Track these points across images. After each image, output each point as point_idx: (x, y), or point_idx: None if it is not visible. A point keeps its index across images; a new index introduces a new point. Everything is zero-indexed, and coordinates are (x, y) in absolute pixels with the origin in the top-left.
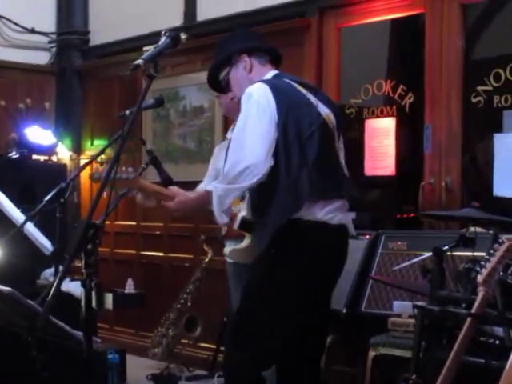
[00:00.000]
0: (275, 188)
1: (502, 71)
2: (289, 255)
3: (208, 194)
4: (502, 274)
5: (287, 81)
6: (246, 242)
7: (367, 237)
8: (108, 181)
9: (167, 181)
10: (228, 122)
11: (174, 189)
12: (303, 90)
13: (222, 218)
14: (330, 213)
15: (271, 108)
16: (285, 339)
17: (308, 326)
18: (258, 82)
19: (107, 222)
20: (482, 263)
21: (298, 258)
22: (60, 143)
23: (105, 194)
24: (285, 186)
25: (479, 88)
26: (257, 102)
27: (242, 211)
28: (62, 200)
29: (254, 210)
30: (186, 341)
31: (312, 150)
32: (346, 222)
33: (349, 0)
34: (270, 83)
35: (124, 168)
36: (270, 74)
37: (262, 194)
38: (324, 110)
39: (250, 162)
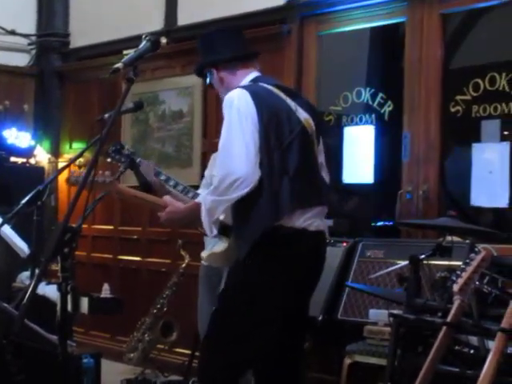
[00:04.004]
0: (257, 196)
1: (480, 81)
2: (267, 262)
3: (197, 206)
4: (477, 283)
5: (266, 86)
6: (223, 245)
7: (344, 244)
8: (85, 184)
9: (145, 185)
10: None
11: (167, 198)
12: (282, 95)
13: (211, 231)
14: (309, 219)
15: (252, 114)
16: (261, 346)
17: (285, 333)
18: (238, 87)
19: (84, 226)
20: (458, 272)
21: (277, 265)
22: (38, 146)
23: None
24: (266, 194)
25: (458, 97)
26: (238, 109)
27: (221, 215)
28: (39, 203)
29: (234, 215)
30: (161, 346)
31: (292, 158)
32: (324, 228)
33: (329, 7)
34: (250, 89)
35: (101, 172)
36: (248, 78)
37: (243, 200)
38: (303, 114)
39: (239, 175)
